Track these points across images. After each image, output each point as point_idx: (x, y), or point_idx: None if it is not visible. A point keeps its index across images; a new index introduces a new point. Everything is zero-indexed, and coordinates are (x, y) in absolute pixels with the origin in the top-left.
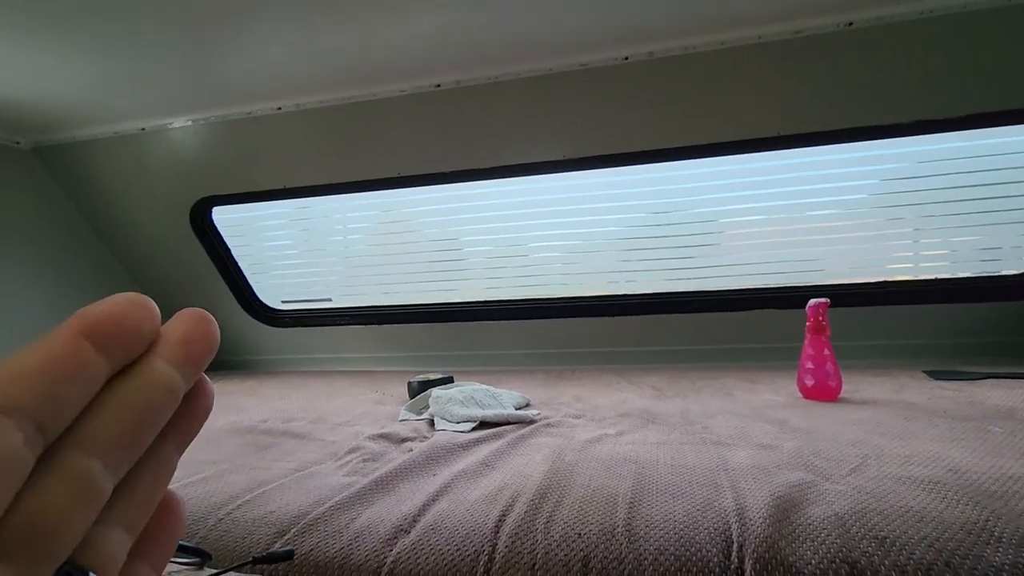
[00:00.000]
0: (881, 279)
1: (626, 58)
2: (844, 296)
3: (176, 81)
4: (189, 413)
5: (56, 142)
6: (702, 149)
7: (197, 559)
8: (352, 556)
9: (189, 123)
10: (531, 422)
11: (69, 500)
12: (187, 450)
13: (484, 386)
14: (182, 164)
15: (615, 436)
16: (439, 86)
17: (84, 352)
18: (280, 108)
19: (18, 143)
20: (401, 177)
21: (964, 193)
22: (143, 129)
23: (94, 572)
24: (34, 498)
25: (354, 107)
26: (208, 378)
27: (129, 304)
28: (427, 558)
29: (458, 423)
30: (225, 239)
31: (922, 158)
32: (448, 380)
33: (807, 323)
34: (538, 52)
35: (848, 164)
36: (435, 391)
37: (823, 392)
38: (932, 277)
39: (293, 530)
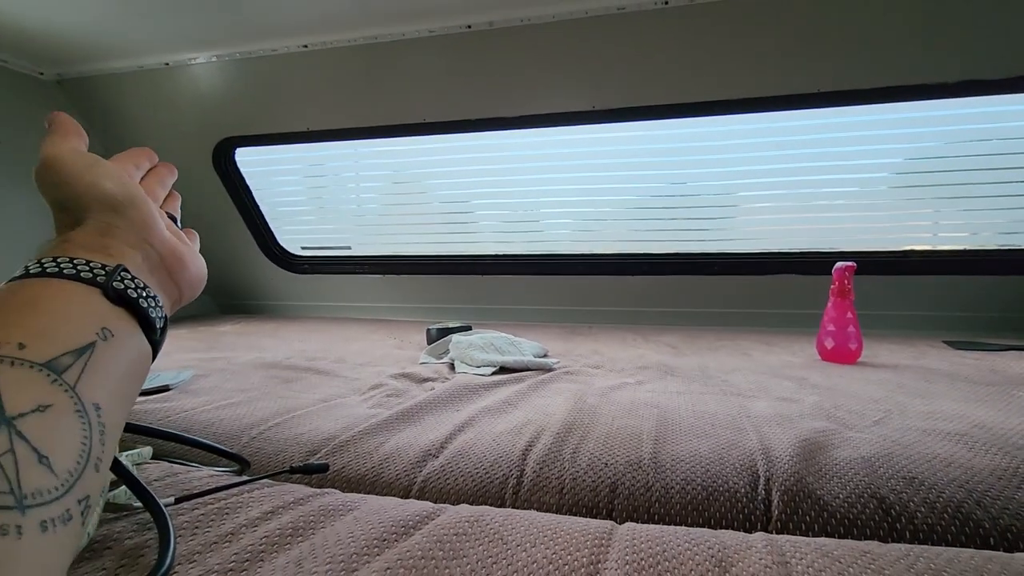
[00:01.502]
0: (902, 248)
1: (666, 2)
2: (865, 264)
3: (201, 13)
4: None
5: (80, 74)
6: (736, 104)
7: (237, 466)
8: (383, 474)
9: (214, 59)
10: (551, 370)
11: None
12: (216, 380)
13: (504, 334)
14: (205, 102)
15: (635, 384)
16: (470, 27)
17: (133, 158)
18: (306, 46)
19: (42, 74)
20: (427, 123)
21: (988, 161)
22: (167, 64)
23: (168, 211)
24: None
25: (382, 47)
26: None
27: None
28: (456, 480)
29: (478, 367)
30: (248, 181)
31: (948, 123)
32: (466, 328)
33: (832, 286)
34: None
35: (875, 127)
36: (455, 337)
37: (843, 355)
38: (954, 248)
39: (324, 450)
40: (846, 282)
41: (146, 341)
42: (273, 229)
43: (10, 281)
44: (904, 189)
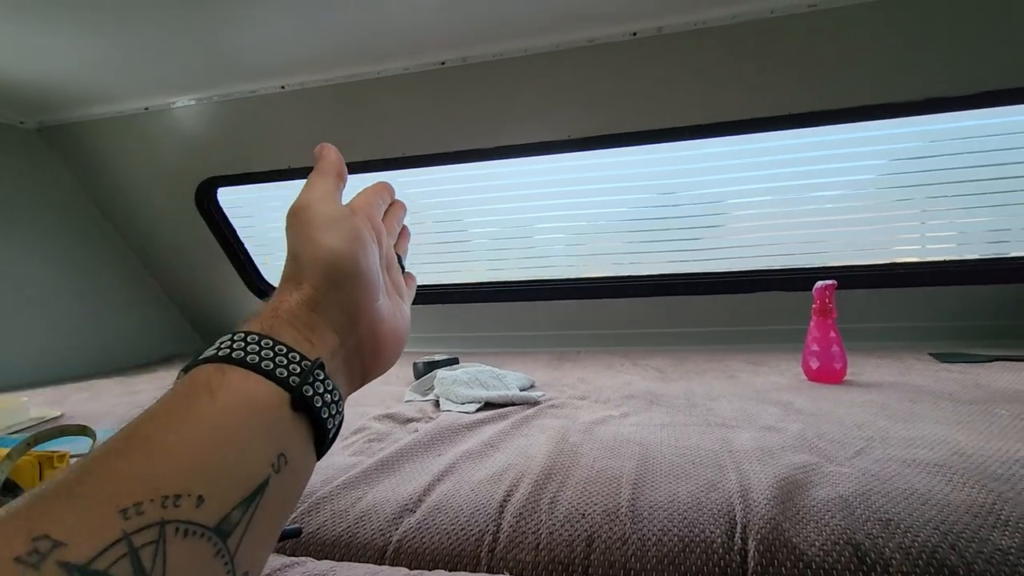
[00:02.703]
0: (888, 261)
1: (634, 34)
2: (850, 278)
3: (179, 59)
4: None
5: (60, 122)
6: (709, 129)
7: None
8: (358, 535)
9: (192, 102)
10: (535, 403)
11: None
12: None
13: (489, 367)
14: (186, 144)
15: (619, 417)
16: (444, 64)
17: (379, 194)
18: (283, 87)
19: (23, 123)
20: (405, 157)
21: (972, 174)
22: (146, 109)
23: (397, 252)
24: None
25: (358, 85)
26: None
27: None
28: (432, 537)
29: (463, 404)
30: (231, 220)
31: (931, 138)
32: (453, 361)
33: (813, 305)
34: (545, 28)
35: (856, 144)
36: (440, 372)
37: (828, 375)
38: (939, 259)
39: (300, 508)
40: (827, 301)
41: (314, 455)
42: (259, 265)
43: (204, 361)
44: (888, 203)
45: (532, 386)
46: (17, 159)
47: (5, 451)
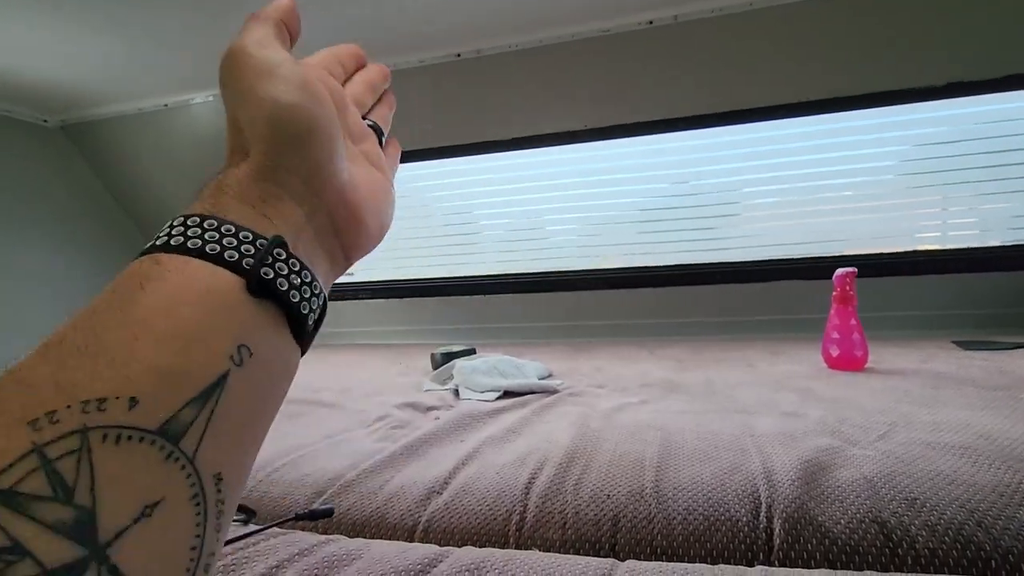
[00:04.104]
0: (909, 248)
1: (651, 22)
2: (870, 266)
3: (196, 56)
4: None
5: (82, 120)
6: (727, 116)
7: (242, 516)
8: (388, 515)
9: (211, 98)
10: (554, 392)
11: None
12: None
13: (507, 357)
14: (205, 139)
15: (638, 404)
16: (459, 56)
17: (337, 55)
18: None
19: (45, 121)
20: (419, 150)
21: (995, 159)
22: (166, 105)
23: (372, 119)
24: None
25: None
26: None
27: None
28: (460, 517)
29: (483, 392)
30: None
31: (953, 123)
32: (471, 352)
33: (834, 293)
34: (561, 18)
35: (876, 130)
36: (459, 362)
37: (849, 362)
38: (961, 246)
39: (329, 491)
40: (848, 288)
41: (293, 346)
42: None
43: (141, 255)
44: (909, 189)
45: (550, 375)
46: (40, 156)
47: None
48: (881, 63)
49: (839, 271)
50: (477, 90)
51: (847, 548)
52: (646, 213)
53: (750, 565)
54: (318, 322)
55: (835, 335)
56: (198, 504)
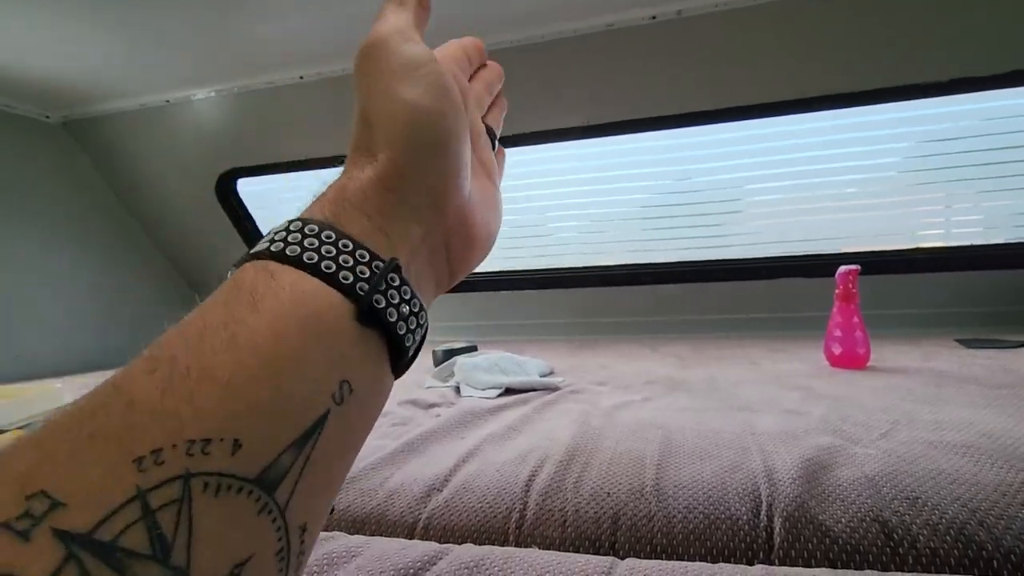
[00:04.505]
0: (912, 246)
1: (654, 17)
2: (873, 264)
3: (198, 52)
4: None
5: (84, 116)
6: (730, 112)
7: None
8: (388, 512)
9: (212, 94)
10: (556, 389)
11: (483, 98)
12: None
13: (509, 354)
14: (207, 136)
15: (640, 402)
16: None
17: (466, 49)
18: (302, 77)
19: (48, 117)
20: None
21: (999, 156)
22: (168, 101)
23: (488, 123)
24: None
25: None
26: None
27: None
28: (461, 515)
29: (484, 390)
30: (250, 211)
31: (956, 120)
32: (472, 348)
33: (836, 290)
34: (563, 13)
35: (880, 127)
36: (460, 359)
37: (851, 360)
38: (965, 244)
39: None
40: (851, 286)
41: (390, 378)
42: None
43: (252, 256)
44: (912, 186)
45: (551, 373)
46: (42, 153)
47: None
48: (885, 59)
49: (842, 268)
50: None
51: (848, 547)
52: (649, 210)
53: (750, 564)
54: (416, 352)
55: (837, 333)
56: (282, 559)
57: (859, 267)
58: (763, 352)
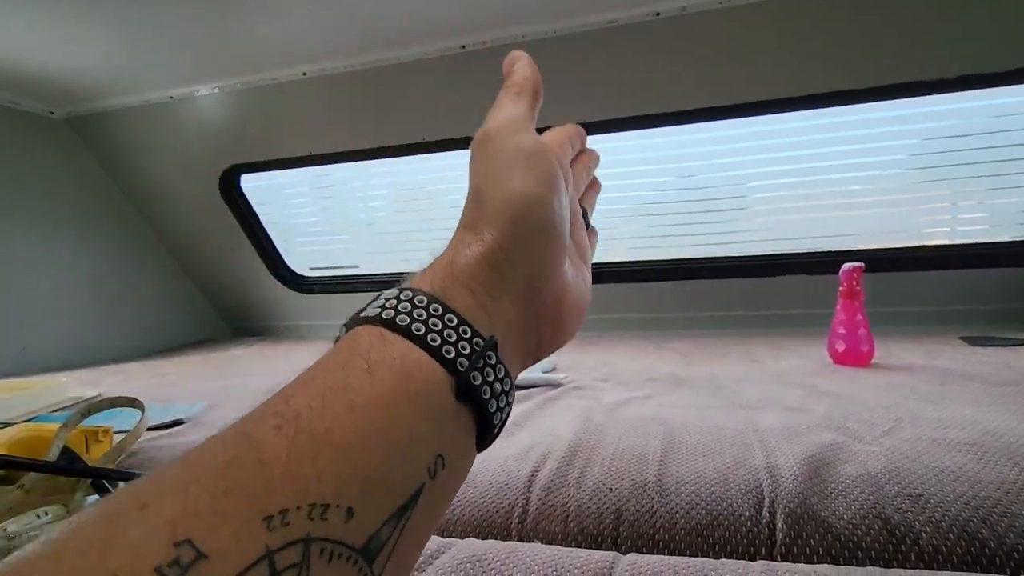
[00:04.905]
0: (917, 243)
1: (657, 13)
2: (878, 261)
3: (201, 48)
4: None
5: (88, 112)
6: (734, 109)
7: None
8: None
9: (216, 90)
10: (559, 385)
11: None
12: (230, 409)
13: None
14: (210, 132)
15: (643, 399)
16: (464, 47)
17: (570, 136)
18: (305, 74)
19: (52, 113)
20: (427, 142)
21: (1005, 153)
22: (171, 97)
23: (583, 206)
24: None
25: (378, 71)
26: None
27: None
28: (463, 509)
29: None
30: (254, 207)
31: (962, 117)
32: None
33: (840, 288)
34: (567, 9)
35: (885, 124)
36: None
37: (855, 357)
38: (970, 241)
39: None
40: (855, 283)
41: (475, 455)
42: (281, 251)
43: (364, 320)
44: (917, 184)
45: (554, 369)
46: (46, 149)
47: (52, 425)
48: (890, 55)
49: (846, 266)
50: (482, 82)
51: (850, 543)
52: (652, 207)
53: (752, 560)
54: (499, 431)
55: (841, 330)
56: None
57: (863, 264)
58: (766, 349)
